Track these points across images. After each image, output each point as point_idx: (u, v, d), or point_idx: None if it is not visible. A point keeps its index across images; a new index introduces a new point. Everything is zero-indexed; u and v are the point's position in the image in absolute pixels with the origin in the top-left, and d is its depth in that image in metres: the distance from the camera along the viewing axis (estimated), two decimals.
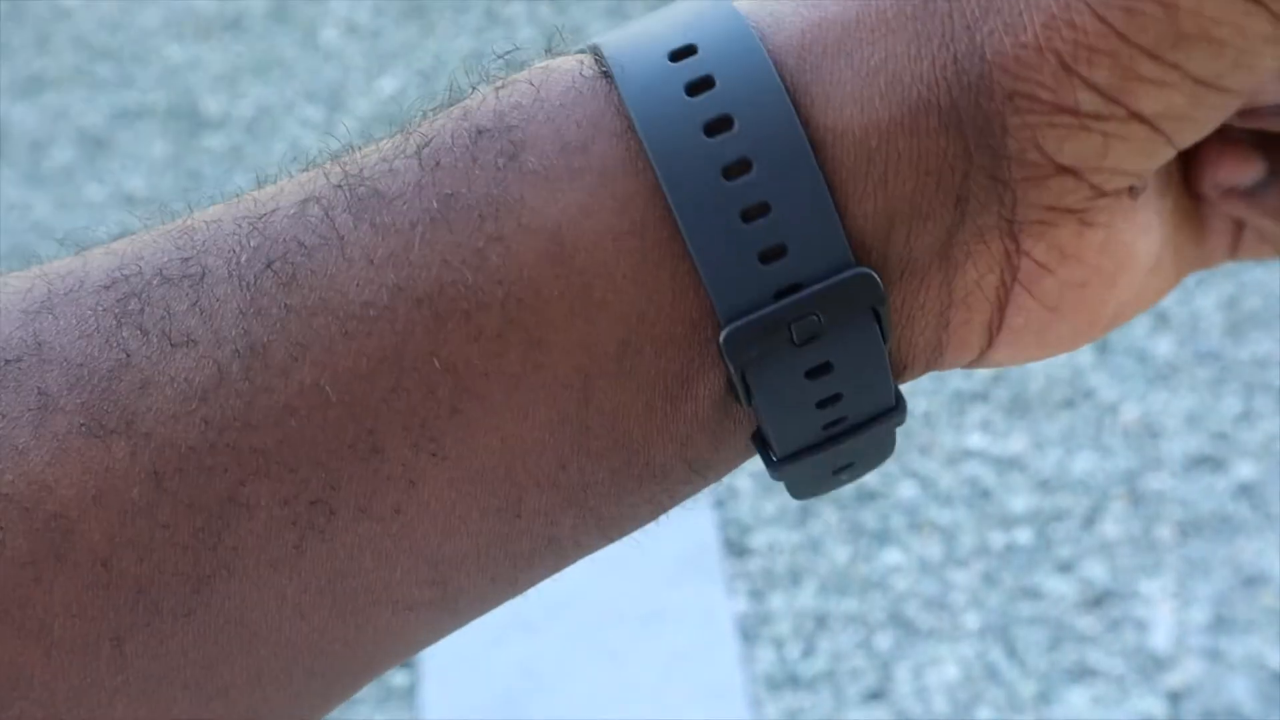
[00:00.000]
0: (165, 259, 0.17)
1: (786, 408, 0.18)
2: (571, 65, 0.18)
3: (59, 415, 0.17)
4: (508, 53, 0.20)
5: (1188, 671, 0.94)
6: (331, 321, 0.17)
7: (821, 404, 0.18)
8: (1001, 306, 0.19)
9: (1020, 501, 1.05)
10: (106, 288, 0.17)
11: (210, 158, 1.47)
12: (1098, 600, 0.98)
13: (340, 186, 0.17)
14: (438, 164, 0.17)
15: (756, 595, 1.01)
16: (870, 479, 1.07)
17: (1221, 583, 0.98)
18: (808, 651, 0.97)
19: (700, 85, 0.17)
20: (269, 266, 0.17)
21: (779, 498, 1.07)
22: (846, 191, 0.17)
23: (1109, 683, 0.94)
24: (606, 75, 0.18)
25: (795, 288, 0.17)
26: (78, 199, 1.48)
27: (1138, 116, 0.17)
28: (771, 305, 0.17)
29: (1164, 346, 1.16)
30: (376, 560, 0.17)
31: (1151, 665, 0.94)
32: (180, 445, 0.17)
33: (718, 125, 0.17)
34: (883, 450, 0.20)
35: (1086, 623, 0.97)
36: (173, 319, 0.17)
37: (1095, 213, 0.18)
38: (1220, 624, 0.96)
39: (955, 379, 1.14)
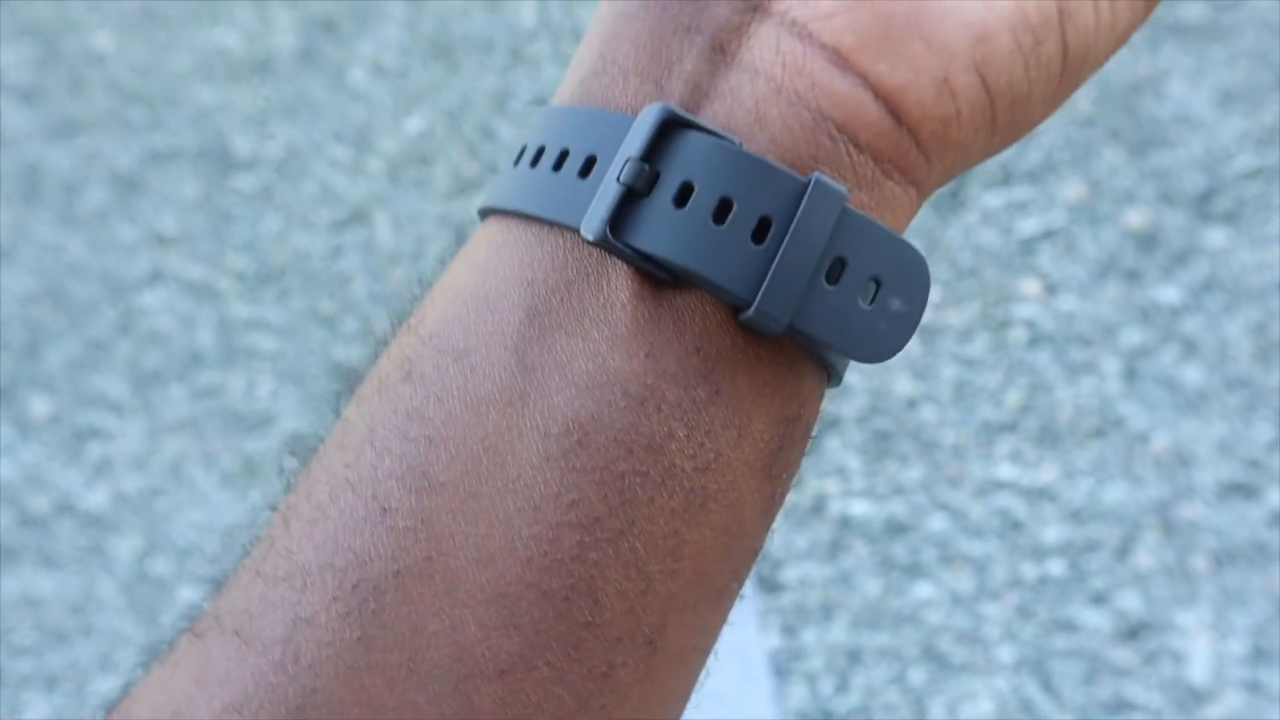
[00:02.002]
0: None
1: (684, 237, 0.19)
2: None
3: (186, 636, 0.19)
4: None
5: (1227, 704, 0.93)
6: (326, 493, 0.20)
7: (719, 215, 0.19)
8: None
9: (1052, 533, 1.04)
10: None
11: (240, 198, 1.49)
12: (1133, 632, 0.98)
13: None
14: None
15: (789, 630, 1.00)
16: (900, 512, 1.06)
17: (1259, 613, 0.97)
18: (841, 687, 0.97)
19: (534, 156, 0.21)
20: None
21: (809, 532, 1.07)
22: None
23: (1147, 716, 0.93)
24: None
25: (591, 160, 0.20)
26: (110, 239, 1.50)
27: None
28: (587, 180, 0.19)
29: (1193, 374, 1.15)
30: (437, 619, 0.18)
31: (1190, 698, 0.93)
32: (240, 601, 0.19)
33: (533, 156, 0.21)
34: (879, 244, 0.19)
35: (1123, 655, 0.96)
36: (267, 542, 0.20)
37: None
38: (1259, 655, 0.95)
39: (983, 409, 1.14)
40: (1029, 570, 1.02)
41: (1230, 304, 1.21)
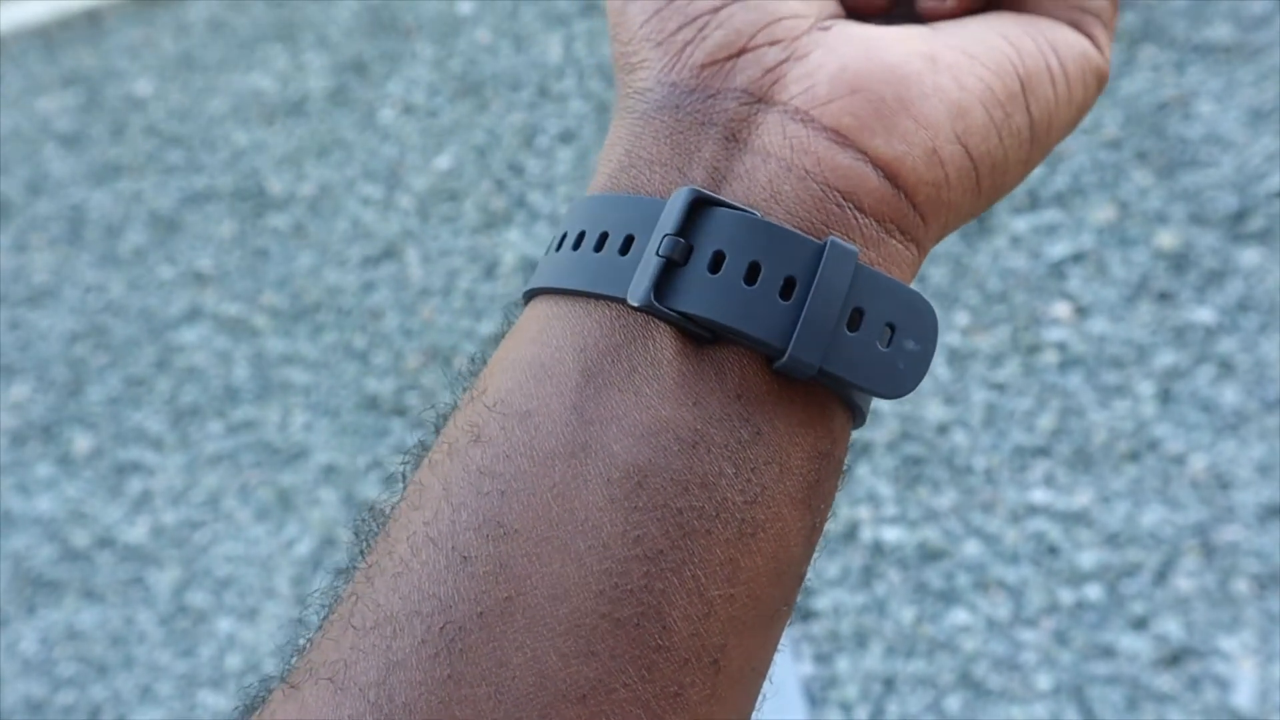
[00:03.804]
0: None
1: (720, 298, 0.21)
2: None
3: (280, 689, 0.21)
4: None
5: None
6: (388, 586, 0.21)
7: (749, 277, 0.21)
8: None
9: (1088, 557, 1.03)
10: None
11: (275, 236, 1.52)
12: (1175, 658, 0.96)
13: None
14: None
15: (823, 658, 0.99)
16: (933, 537, 1.06)
17: None
18: (876, 715, 0.96)
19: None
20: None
21: (842, 559, 1.06)
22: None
23: None
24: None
25: (629, 240, 0.22)
26: (150, 279, 1.53)
27: None
28: (627, 257, 0.22)
29: (1230, 395, 1.14)
30: (520, 652, 0.19)
31: None
32: (324, 656, 0.20)
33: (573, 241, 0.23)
34: (891, 294, 0.21)
35: (1164, 681, 0.95)
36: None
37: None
38: None
39: (1015, 433, 1.13)
40: (1066, 595, 1.01)
41: (1266, 324, 1.19)
